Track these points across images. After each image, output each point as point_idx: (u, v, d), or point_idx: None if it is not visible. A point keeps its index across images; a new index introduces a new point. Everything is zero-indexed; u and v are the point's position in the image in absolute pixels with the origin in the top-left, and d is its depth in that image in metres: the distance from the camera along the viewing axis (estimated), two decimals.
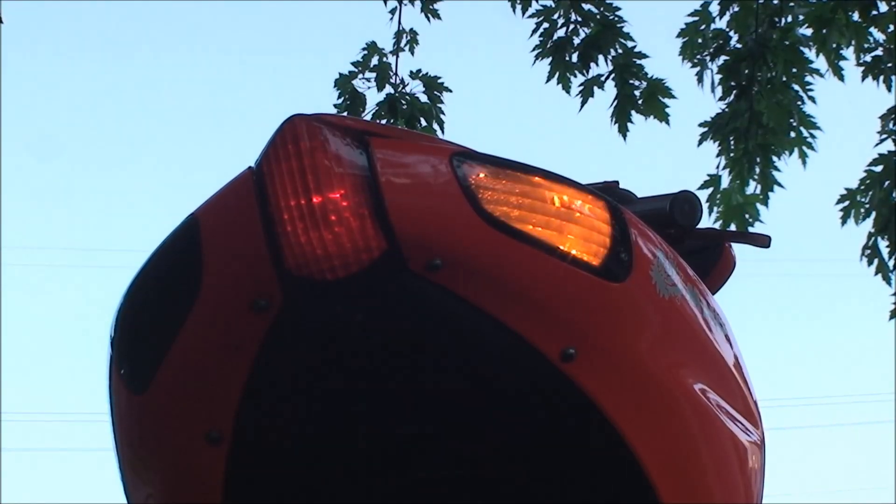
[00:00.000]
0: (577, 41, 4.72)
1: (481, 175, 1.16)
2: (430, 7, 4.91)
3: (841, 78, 4.37)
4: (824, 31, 4.36)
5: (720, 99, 4.58)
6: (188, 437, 1.16)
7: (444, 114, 4.94)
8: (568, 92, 4.68)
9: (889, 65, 4.37)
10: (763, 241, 1.47)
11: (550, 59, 4.72)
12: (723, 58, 4.70)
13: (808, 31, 4.52)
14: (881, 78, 4.41)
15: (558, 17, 4.77)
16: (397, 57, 5.01)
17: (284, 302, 1.12)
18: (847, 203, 4.81)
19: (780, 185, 4.71)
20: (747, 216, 4.50)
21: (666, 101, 4.63)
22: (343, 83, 4.93)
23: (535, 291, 1.13)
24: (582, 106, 4.69)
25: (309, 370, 1.13)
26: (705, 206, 1.42)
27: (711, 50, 4.72)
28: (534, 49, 4.77)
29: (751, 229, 4.22)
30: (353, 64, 5.01)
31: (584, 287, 1.15)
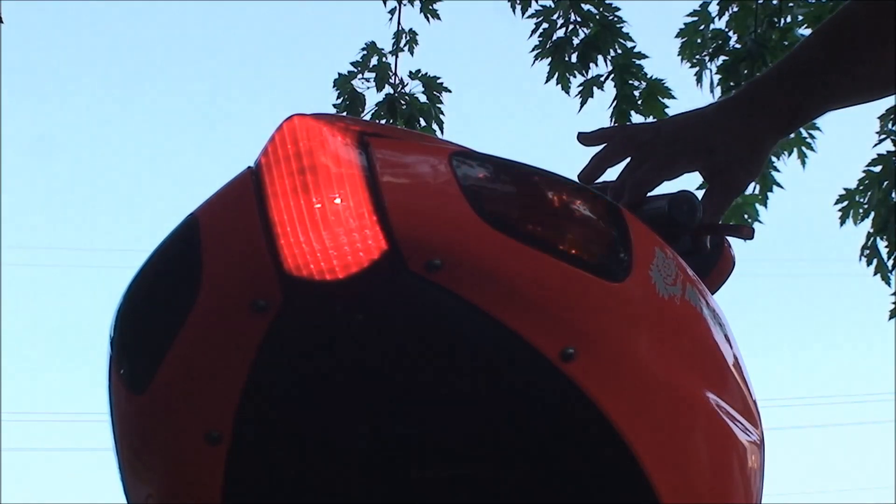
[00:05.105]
0: (576, 41, 4.73)
1: (481, 175, 1.16)
2: (430, 7, 4.92)
3: None
4: None
5: (719, 98, 4.59)
6: (188, 437, 1.16)
7: (443, 114, 4.95)
8: (568, 92, 4.69)
9: None
10: (747, 234, 1.47)
11: (550, 59, 4.73)
12: (722, 58, 4.71)
13: (808, 32, 4.53)
14: None
15: (558, 18, 4.78)
16: (396, 57, 5.02)
17: (284, 302, 1.12)
18: (846, 203, 4.82)
19: (779, 185, 4.71)
20: (746, 216, 4.51)
21: (665, 101, 4.64)
22: (342, 83, 4.94)
23: (535, 291, 1.13)
24: (582, 106, 4.70)
25: (308, 370, 1.13)
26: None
27: (711, 50, 4.73)
28: (533, 49, 4.77)
29: None
30: (352, 64, 5.01)
31: (583, 287, 1.15)
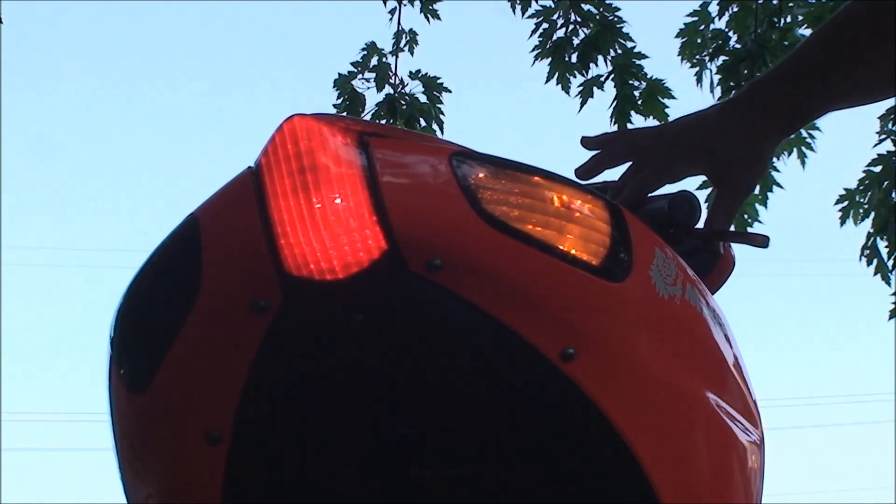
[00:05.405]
0: (576, 41, 4.73)
1: (481, 175, 1.16)
2: (430, 7, 4.92)
3: None
4: None
5: (719, 99, 4.59)
6: (188, 437, 1.16)
7: (443, 114, 4.95)
8: (568, 92, 4.68)
9: None
10: (761, 241, 1.47)
11: (550, 59, 4.72)
12: (722, 58, 4.70)
13: (808, 32, 4.53)
14: None
15: (558, 18, 4.78)
16: (397, 57, 5.02)
17: (284, 302, 1.12)
18: (846, 203, 4.82)
19: (779, 185, 4.71)
20: (746, 216, 4.51)
21: (665, 101, 4.63)
22: (342, 83, 4.94)
23: (535, 291, 1.13)
24: (582, 106, 4.69)
25: (308, 370, 1.13)
26: (704, 206, 1.44)
27: (711, 50, 4.72)
28: (533, 49, 4.77)
29: (749, 229, 4.23)
30: (352, 64, 5.01)
31: (583, 287, 1.15)
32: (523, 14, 4.70)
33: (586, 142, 1.55)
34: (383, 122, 4.72)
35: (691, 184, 1.52)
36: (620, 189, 1.48)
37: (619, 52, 4.58)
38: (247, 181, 1.15)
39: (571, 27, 4.63)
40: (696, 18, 4.74)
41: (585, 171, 1.51)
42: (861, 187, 4.70)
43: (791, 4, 4.61)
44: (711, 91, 4.60)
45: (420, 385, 1.13)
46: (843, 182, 4.72)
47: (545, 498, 1.15)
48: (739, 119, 1.48)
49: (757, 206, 4.56)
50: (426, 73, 4.89)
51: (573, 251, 1.15)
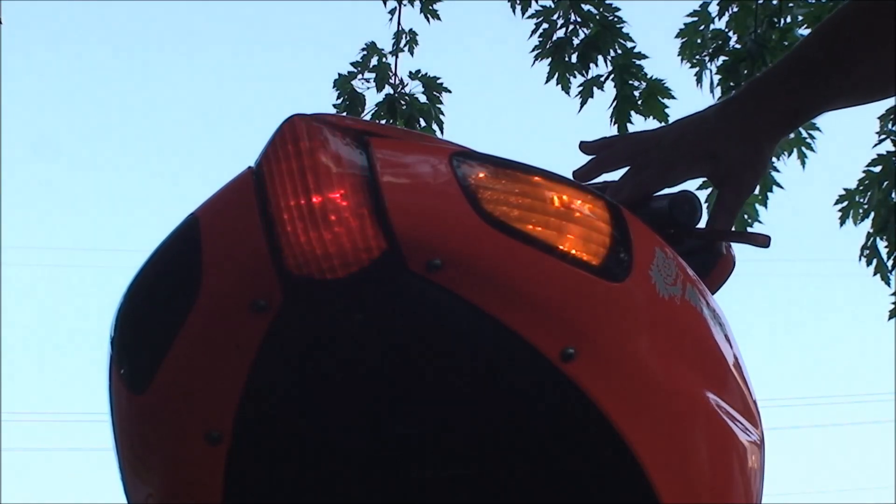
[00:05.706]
0: (576, 42, 4.72)
1: (481, 175, 1.16)
2: (430, 7, 4.92)
3: None
4: None
5: (719, 99, 4.59)
6: (188, 437, 1.16)
7: (443, 114, 4.95)
8: (567, 92, 4.68)
9: None
10: (763, 241, 1.47)
11: (550, 59, 4.72)
12: (722, 58, 4.70)
13: (808, 32, 4.53)
14: None
15: (558, 18, 4.78)
16: (396, 57, 5.02)
17: (284, 302, 1.12)
18: (846, 203, 4.82)
19: (779, 185, 4.71)
20: (746, 216, 4.51)
21: (665, 101, 4.63)
22: (342, 83, 4.94)
23: (535, 291, 1.13)
24: (581, 106, 4.69)
25: (308, 370, 1.13)
26: (705, 206, 1.44)
27: (710, 50, 4.72)
28: (533, 49, 4.77)
29: (750, 229, 4.23)
30: (352, 64, 5.01)
31: (583, 287, 1.15)
32: (523, 14, 4.70)
33: (585, 146, 1.54)
34: (383, 122, 4.72)
35: (691, 184, 1.52)
36: (620, 189, 1.48)
37: (619, 52, 4.58)
38: (247, 181, 1.15)
39: (571, 27, 4.63)
40: (696, 18, 4.74)
41: (584, 173, 1.51)
42: (861, 187, 4.70)
43: (791, 4, 4.61)
44: (711, 91, 4.60)
45: (420, 385, 1.13)
46: (843, 182, 4.72)
47: (545, 498, 1.15)
48: (740, 119, 1.48)
49: (757, 206, 4.56)
50: (426, 73, 4.89)
51: (573, 251, 1.15)
